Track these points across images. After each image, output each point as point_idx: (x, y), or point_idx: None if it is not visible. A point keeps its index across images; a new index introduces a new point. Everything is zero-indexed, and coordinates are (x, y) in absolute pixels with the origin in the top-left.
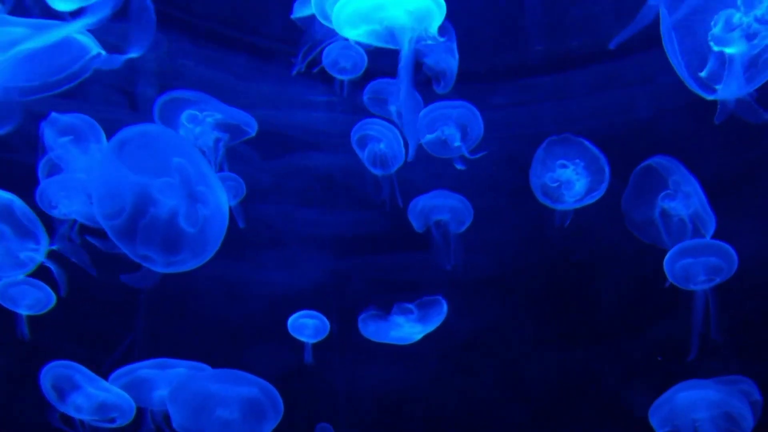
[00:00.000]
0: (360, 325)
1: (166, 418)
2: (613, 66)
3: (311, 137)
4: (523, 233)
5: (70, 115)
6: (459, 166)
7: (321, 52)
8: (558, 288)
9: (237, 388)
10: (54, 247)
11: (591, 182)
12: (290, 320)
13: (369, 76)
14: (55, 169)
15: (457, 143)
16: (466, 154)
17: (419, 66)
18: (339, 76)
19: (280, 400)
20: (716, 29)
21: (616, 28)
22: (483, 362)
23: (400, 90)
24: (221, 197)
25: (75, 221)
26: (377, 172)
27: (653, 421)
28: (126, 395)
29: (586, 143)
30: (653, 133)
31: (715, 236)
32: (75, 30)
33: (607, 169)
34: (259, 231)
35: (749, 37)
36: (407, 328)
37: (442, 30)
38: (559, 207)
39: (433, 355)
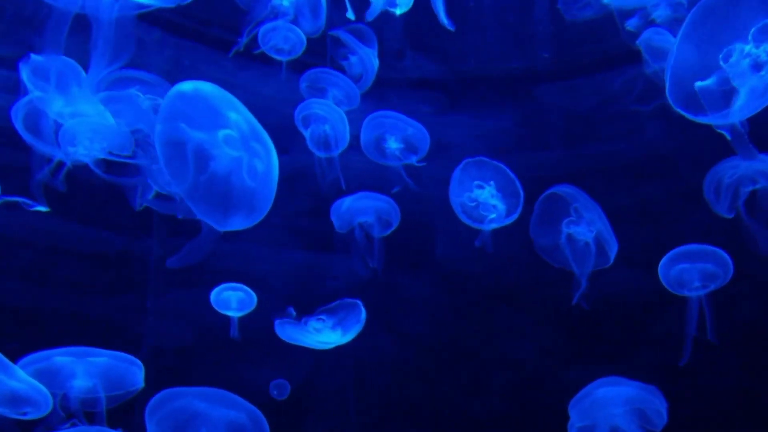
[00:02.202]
0: (277, 329)
1: (83, 408)
2: (619, 73)
3: None
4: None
5: (49, 56)
6: (395, 189)
7: (260, 33)
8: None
9: (225, 411)
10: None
11: (507, 204)
12: (213, 294)
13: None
14: (32, 111)
15: (404, 160)
16: (403, 175)
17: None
18: (277, 57)
19: (267, 430)
20: (732, 58)
21: (623, 36)
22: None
23: None
24: (273, 155)
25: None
26: (320, 153)
27: (572, 414)
28: (43, 388)
29: (501, 166)
30: (660, 140)
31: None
32: None
33: (521, 193)
34: None
35: (756, 67)
36: (325, 334)
37: (364, 37)
38: (480, 227)
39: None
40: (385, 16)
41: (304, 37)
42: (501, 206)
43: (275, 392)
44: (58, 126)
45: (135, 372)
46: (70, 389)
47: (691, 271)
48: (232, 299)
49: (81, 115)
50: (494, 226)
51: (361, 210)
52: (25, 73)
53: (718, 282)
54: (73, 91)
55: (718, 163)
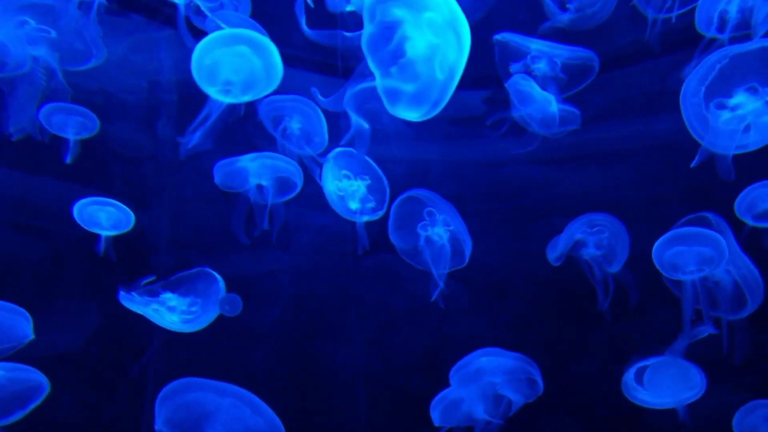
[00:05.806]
0: (122, 300)
1: None
2: (625, 72)
3: None
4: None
5: None
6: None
7: None
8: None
9: (249, 415)
10: None
11: (375, 199)
12: (75, 209)
13: None
14: None
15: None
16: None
17: None
18: None
19: None
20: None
21: (629, 36)
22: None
23: None
24: (466, 50)
25: None
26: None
27: (452, 380)
28: None
29: (369, 161)
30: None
31: None
32: None
33: (387, 190)
34: None
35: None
36: (178, 311)
37: None
38: (352, 218)
39: None
40: None
41: None
42: (356, 202)
43: (226, 308)
44: None
45: (22, 323)
46: None
47: (687, 254)
48: (101, 217)
49: None
50: (366, 219)
51: (256, 172)
52: None
53: (713, 266)
54: None
55: (584, 215)
